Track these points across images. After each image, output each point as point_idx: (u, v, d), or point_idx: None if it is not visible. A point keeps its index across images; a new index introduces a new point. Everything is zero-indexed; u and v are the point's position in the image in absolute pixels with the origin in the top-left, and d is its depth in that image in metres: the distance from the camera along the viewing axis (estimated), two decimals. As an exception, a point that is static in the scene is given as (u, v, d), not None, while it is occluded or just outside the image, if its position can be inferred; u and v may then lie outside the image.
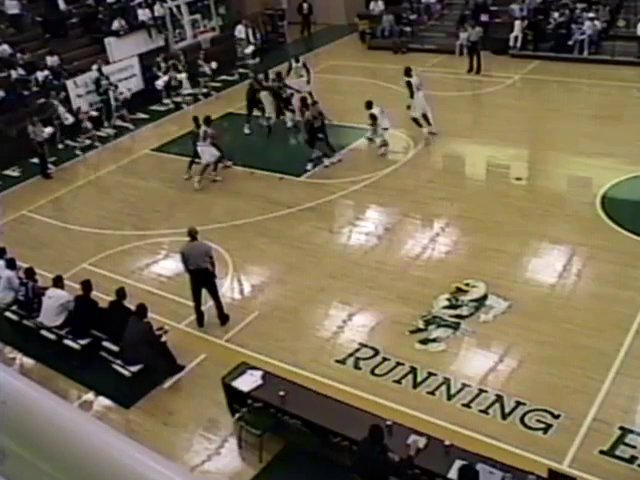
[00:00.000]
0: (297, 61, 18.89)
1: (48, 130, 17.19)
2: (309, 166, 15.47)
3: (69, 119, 18.54)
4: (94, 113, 19.12)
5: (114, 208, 15.15)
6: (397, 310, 10.45)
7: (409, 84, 16.06)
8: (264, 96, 17.76)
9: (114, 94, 19.77)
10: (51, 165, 17.38)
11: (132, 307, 9.71)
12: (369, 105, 15.70)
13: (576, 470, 7.26)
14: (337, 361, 9.53)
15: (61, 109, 18.54)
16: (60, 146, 18.40)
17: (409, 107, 16.13)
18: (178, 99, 20.89)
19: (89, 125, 18.47)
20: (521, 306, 10.14)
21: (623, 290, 10.26)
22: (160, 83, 20.91)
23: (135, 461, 2.02)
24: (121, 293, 9.95)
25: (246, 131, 18.03)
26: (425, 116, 16.05)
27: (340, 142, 16.31)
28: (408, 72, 16.19)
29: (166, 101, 21.06)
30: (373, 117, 15.63)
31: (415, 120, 16.04)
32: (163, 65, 21.27)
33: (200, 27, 22.35)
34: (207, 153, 15.20)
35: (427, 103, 16.07)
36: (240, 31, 23.97)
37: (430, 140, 15.99)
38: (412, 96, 16.01)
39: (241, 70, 23.03)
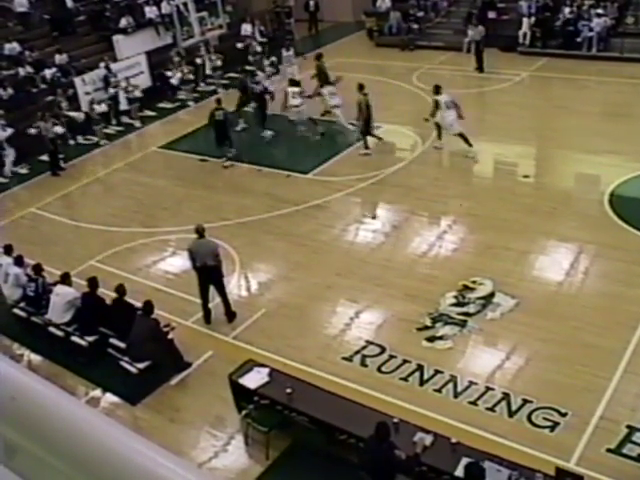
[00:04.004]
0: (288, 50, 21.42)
1: (60, 127, 17.39)
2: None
3: (81, 116, 18.57)
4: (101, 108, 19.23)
5: (121, 205, 15.19)
6: (404, 307, 10.44)
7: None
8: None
9: (125, 91, 19.79)
10: (62, 162, 17.40)
11: (138, 304, 9.75)
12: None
13: (583, 468, 7.23)
14: (344, 358, 9.54)
15: (70, 112, 18.60)
16: (71, 142, 18.51)
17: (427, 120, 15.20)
18: (195, 94, 21.34)
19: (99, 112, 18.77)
20: (528, 304, 10.12)
21: (631, 288, 10.22)
22: (175, 81, 21.14)
23: (144, 457, 2.03)
24: (121, 290, 9.95)
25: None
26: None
27: (347, 139, 16.36)
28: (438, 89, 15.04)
29: (182, 96, 21.19)
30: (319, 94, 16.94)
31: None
32: (176, 60, 21.44)
33: (207, 24, 22.32)
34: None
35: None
36: (246, 29, 23.95)
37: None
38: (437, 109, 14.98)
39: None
